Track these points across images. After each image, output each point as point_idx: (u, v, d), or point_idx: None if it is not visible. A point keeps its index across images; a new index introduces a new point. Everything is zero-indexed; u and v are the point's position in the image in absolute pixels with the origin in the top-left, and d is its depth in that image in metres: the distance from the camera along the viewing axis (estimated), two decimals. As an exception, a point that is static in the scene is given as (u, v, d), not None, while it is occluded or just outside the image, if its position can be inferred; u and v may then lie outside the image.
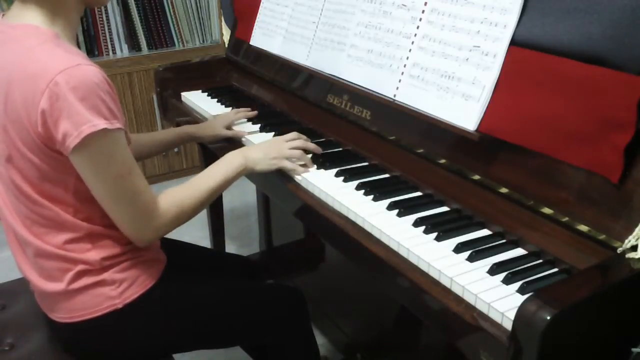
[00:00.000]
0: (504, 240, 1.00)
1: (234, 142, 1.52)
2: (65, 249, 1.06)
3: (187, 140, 1.59)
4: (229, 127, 1.54)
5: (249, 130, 1.53)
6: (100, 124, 0.94)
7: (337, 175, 1.24)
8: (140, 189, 1.04)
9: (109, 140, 0.97)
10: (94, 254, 1.07)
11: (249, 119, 1.59)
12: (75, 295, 1.08)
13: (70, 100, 0.92)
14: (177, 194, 1.12)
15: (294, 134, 1.31)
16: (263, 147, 1.27)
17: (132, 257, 1.11)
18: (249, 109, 1.61)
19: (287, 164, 1.24)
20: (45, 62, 0.95)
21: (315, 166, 1.27)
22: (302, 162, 1.26)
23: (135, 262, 1.12)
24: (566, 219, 0.93)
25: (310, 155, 1.29)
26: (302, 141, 1.29)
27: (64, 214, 1.04)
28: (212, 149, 1.72)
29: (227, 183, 1.21)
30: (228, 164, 1.22)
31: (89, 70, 0.95)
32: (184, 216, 1.12)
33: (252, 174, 1.28)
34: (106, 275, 1.08)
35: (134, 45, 2.95)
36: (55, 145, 0.96)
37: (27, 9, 1.01)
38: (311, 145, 1.30)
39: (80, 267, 1.06)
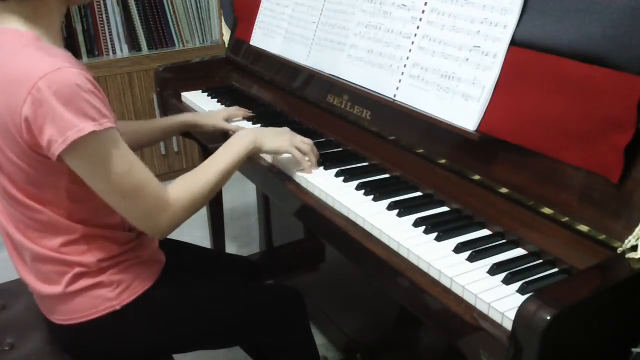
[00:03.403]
0: (504, 240, 1.00)
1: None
2: (61, 251, 1.05)
3: (186, 129, 1.57)
4: (228, 122, 1.55)
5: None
6: (87, 127, 0.92)
7: (337, 175, 1.24)
8: (145, 181, 1.01)
9: (101, 141, 0.95)
10: (90, 256, 1.06)
11: (249, 119, 1.59)
12: (73, 298, 1.07)
13: (53, 105, 0.90)
14: (187, 180, 1.10)
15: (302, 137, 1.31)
16: (273, 130, 1.27)
17: (129, 258, 1.11)
18: (250, 111, 1.62)
19: (295, 152, 1.23)
20: (26, 68, 0.93)
21: (321, 168, 1.27)
22: (308, 158, 1.26)
23: (133, 263, 1.11)
24: (566, 219, 0.93)
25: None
26: (310, 141, 1.28)
27: (58, 217, 1.03)
28: (212, 149, 1.72)
29: (237, 163, 1.18)
30: (237, 143, 1.20)
31: (70, 73, 0.92)
32: (198, 201, 1.10)
33: (252, 171, 1.27)
34: (103, 277, 1.08)
35: (134, 45, 2.95)
36: (41, 150, 0.95)
37: (7, 12, 0.99)
38: (315, 152, 1.28)
39: (77, 269, 1.06)
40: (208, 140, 1.70)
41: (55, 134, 0.91)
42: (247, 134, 1.23)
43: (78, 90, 0.92)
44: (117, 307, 1.09)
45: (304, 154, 1.25)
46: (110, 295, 1.08)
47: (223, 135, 1.54)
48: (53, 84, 0.90)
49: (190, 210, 1.09)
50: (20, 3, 0.98)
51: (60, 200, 1.03)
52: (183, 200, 1.07)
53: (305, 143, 1.26)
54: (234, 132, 1.52)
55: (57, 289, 1.07)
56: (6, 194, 1.03)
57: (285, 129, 1.30)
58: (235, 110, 1.60)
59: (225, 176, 1.16)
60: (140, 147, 1.51)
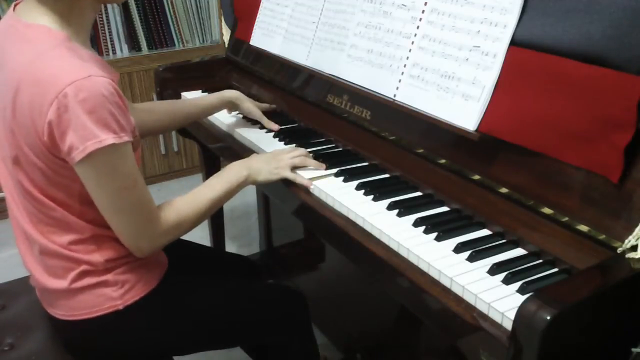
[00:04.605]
0: (504, 240, 1.00)
1: (234, 141, 1.52)
2: (70, 249, 1.06)
3: (226, 106, 1.57)
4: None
5: (248, 129, 1.53)
6: (108, 139, 0.93)
7: (337, 175, 1.24)
8: (143, 200, 1.03)
9: (115, 155, 0.96)
10: (98, 256, 1.07)
11: (249, 119, 1.59)
12: (77, 294, 1.08)
13: (77, 113, 0.91)
14: (177, 205, 1.11)
15: (293, 147, 1.31)
16: (265, 158, 1.26)
17: (135, 259, 1.11)
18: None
19: (288, 174, 1.22)
20: (56, 71, 0.93)
21: (332, 176, 1.24)
22: (307, 167, 1.25)
23: (138, 264, 1.11)
24: (566, 219, 0.93)
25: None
26: (303, 150, 1.28)
27: (70, 216, 1.04)
28: (213, 149, 1.72)
29: (229, 194, 1.19)
30: (230, 174, 1.21)
31: (99, 82, 0.92)
32: (184, 227, 1.11)
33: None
34: (109, 276, 1.08)
35: (134, 45, 2.95)
36: (60, 154, 0.96)
37: (42, 7, 0.99)
38: (312, 162, 1.26)
39: (83, 267, 1.06)
40: (208, 140, 1.70)
41: (76, 141, 0.92)
42: (240, 167, 1.22)
43: (104, 101, 0.92)
44: (120, 307, 1.09)
45: (299, 165, 1.24)
46: (114, 294, 1.08)
47: (226, 140, 1.54)
48: (80, 92, 0.91)
49: (175, 234, 1.11)
50: (55, 1, 0.98)
51: (73, 201, 1.03)
52: (170, 224, 1.08)
53: (297, 156, 1.25)
54: (266, 125, 1.52)
55: (62, 283, 1.07)
56: (22, 188, 1.04)
57: (275, 152, 1.28)
58: (262, 106, 1.59)
59: (215, 206, 1.17)
60: (175, 127, 1.55)
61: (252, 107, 1.54)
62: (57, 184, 1.01)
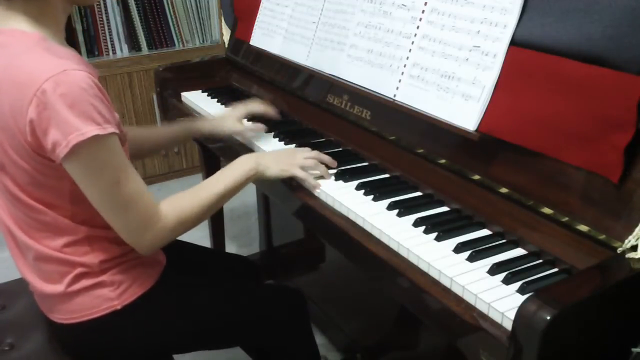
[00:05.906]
0: (504, 240, 1.00)
1: (235, 141, 1.52)
2: (64, 252, 1.05)
3: (203, 137, 1.53)
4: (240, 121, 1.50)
5: (249, 129, 1.52)
6: (90, 130, 0.91)
7: (337, 175, 1.24)
8: (137, 194, 1.01)
9: (101, 147, 0.94)
10: (93, 257, 1.06)
11: (250, 119, 1.59)
12: (74, 297, 1.07)
13: (58, 108, 0.90)
14: (180, 199, 1.09)
15: (307, 149, 1.28)
16: (276, 154, 1.25)
17: (131, 259, 1.11)
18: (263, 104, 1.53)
19: (299, 172, 1.20)
20: (32, 70, 0.92)
21: (333, 177, 1.23)
22: (316, 172, 1.23)
23: (135, 263, 1.11)
24: (566, 219, 0.93)
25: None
26: (316, 152, 1.26)
27: (62, 218, 1.03)
28: (213, 149, 1.72)
29: (236, 188, 1.16)
30: (238, 167, 1.18)
31: (76, 76, 0.91)
32: (188, 222, 1.09)
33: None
34: (105, 277, 1.08)
35: (134, 45, 2.95)
36: (46, 153, 0.95)
37: (13, 12, 0.98)
38: (325, 158, 1.25)
39: (79, 269, 1.06)
40: (208, 140, 1.70)
41: (59, 137, 0.91)
42: (249, 160, 1.20)
43: (83, 94, 0.91)
44: (118, 307, 1.08)
45: (310, 167, 1.23)
46: (111, 295, 1.08)
47: (227, 140, 1.54)
48: (58, 87, 0.90)
49: (178, 230, 1.08)
50: (26, 3, 0.98)
51: (64, 202, 1.02)
52: (173, 219, 1.06)
53: (309, 158, 1.23)
54: (254, 131, 1.47)
55: (58, 288, 1.07)
56: (9, 195, 1.03)
57: (289, 150, 1.27)
58: (244, 108, 1.51)
59: (221, 200, 1.14)
60: (149, 154, 1.48)
61: (231, 130, 1.46)
62: (45, 185, 1.00)
